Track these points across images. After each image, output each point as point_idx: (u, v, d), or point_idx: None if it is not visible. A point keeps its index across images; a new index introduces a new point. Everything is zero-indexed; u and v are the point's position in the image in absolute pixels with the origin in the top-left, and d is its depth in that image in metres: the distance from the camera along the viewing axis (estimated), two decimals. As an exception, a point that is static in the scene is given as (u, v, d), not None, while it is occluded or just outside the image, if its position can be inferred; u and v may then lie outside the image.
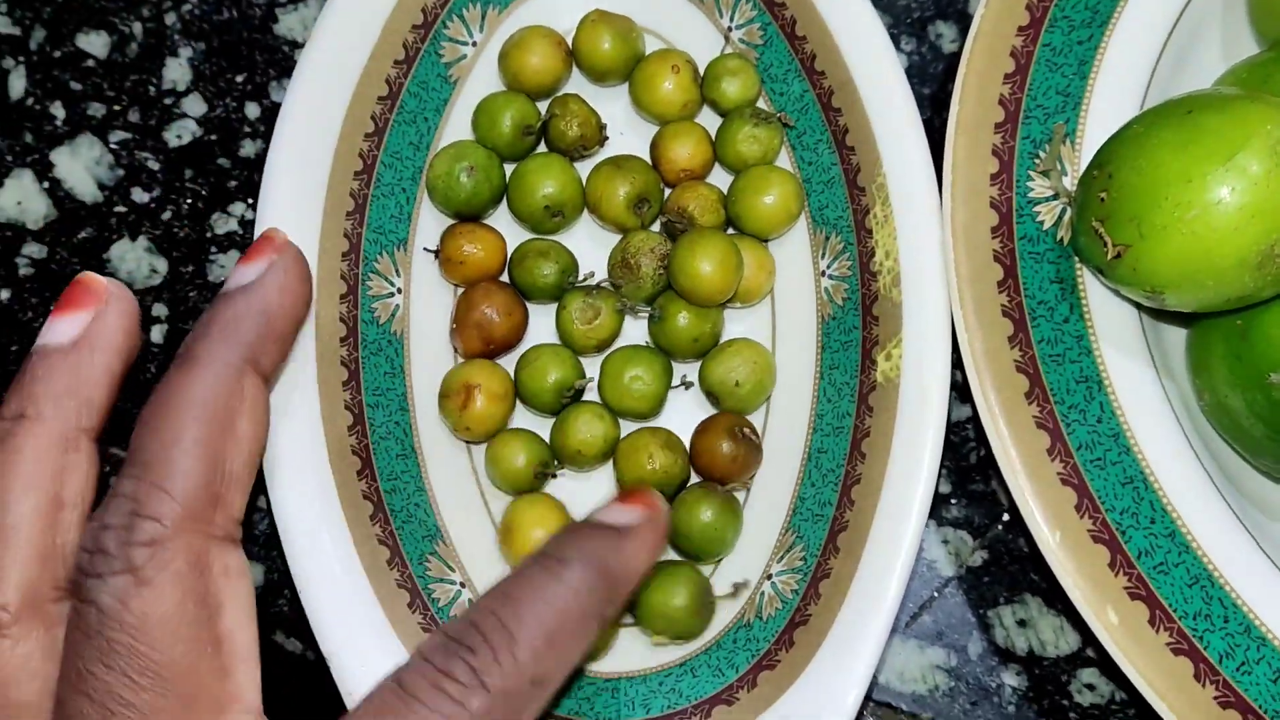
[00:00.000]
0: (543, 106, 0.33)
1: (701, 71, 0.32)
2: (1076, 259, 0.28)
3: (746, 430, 0.30)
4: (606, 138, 0.32)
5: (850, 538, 0.27)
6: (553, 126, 0.32)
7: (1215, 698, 0.25)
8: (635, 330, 0.32)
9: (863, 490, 0.27)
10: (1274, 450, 0.26)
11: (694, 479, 0.30)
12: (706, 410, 0.31)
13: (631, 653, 0.29)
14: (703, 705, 0.27)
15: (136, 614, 0.19)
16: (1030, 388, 0.27)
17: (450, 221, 0.32)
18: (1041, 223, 0.29)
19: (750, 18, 0.32)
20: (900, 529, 0.26)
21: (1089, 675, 0.29)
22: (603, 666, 0.29)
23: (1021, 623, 0.30)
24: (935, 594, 0.30)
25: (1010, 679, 0.29)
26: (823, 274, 0.31)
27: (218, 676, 0.20)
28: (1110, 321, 0.28)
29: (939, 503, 0.31)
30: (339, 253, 0.30)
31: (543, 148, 0.33)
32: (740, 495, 0.30)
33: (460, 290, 0.31)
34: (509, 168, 0.32)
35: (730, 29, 0.33)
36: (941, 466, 0.31)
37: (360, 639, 0.27)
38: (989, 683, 0.29)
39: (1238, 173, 0.24)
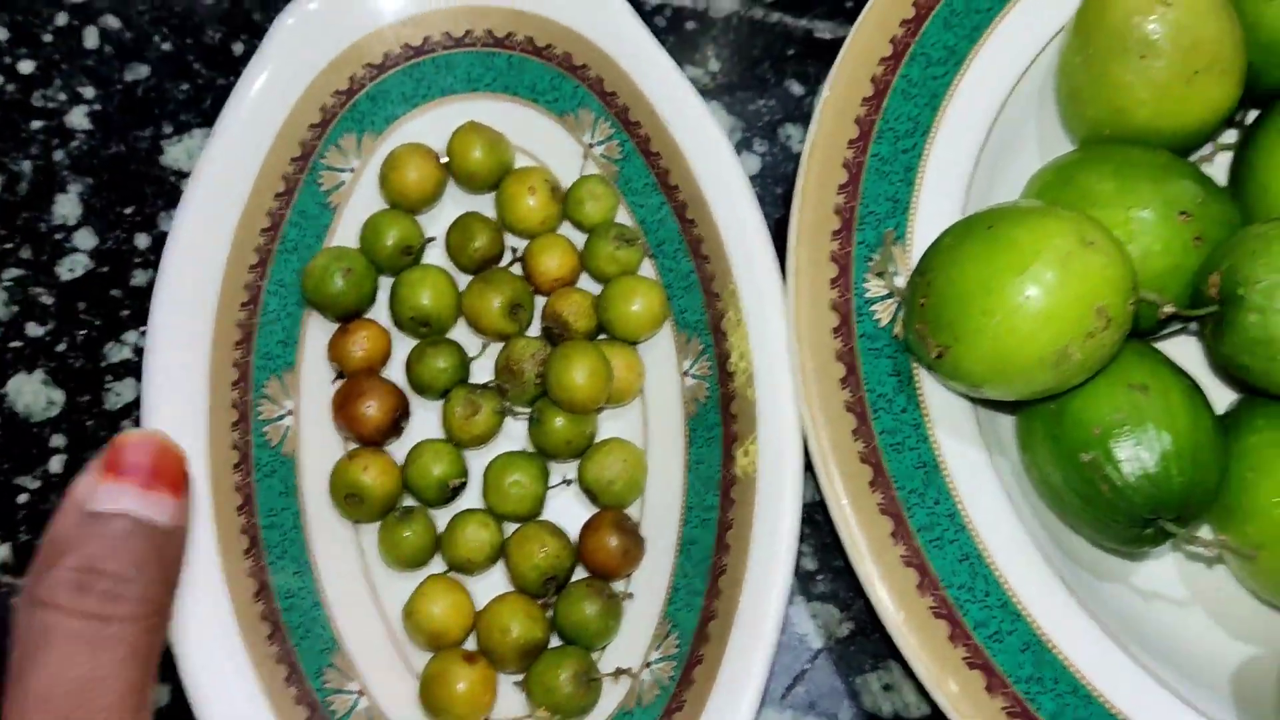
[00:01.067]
0: (435, 217, 0.35)
1: (565, 186, 0.35)
2: (912, 356, 0.31)
3: (629, 524, 0.32)
4: (504, 249, 0.35)
5: (719, 625, 0.29)
6: (452, 243, 0.34)
7: (1043, 750, 0.27)
8: (518, 429, 0.34)
9: (728, 579, 0.30)
10: (1090, 519, 0.29)
11: (580, 573, 0.32)
12: (589, 508, 0.33)
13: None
14: None
15: None
16: (874, 476, 0.30)
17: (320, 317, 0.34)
18: (879, 320, 0.31)
19: (609, 135, 0.35)
20: (762, 615, 0.29)
21: (950, 733, 0.32)
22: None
23: (887, 687, 0.32)
24: (807, 665, 0.32)
25: (879, 742, 0.32)
26: (685, 374, 0.33)
27: None
28: (944, 409, 0.31)
29: (807, 579, 0.33)
30: (229, 381, 0.32)
31: (444, 259, 0.35)
32: (621, 584, 0.32)
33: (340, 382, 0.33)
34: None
35: (591, 145, 0.35)
36: (807, 545, 0.33)
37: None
38: (861, 746, 0.32)
39: (1033, 282, 0.27)
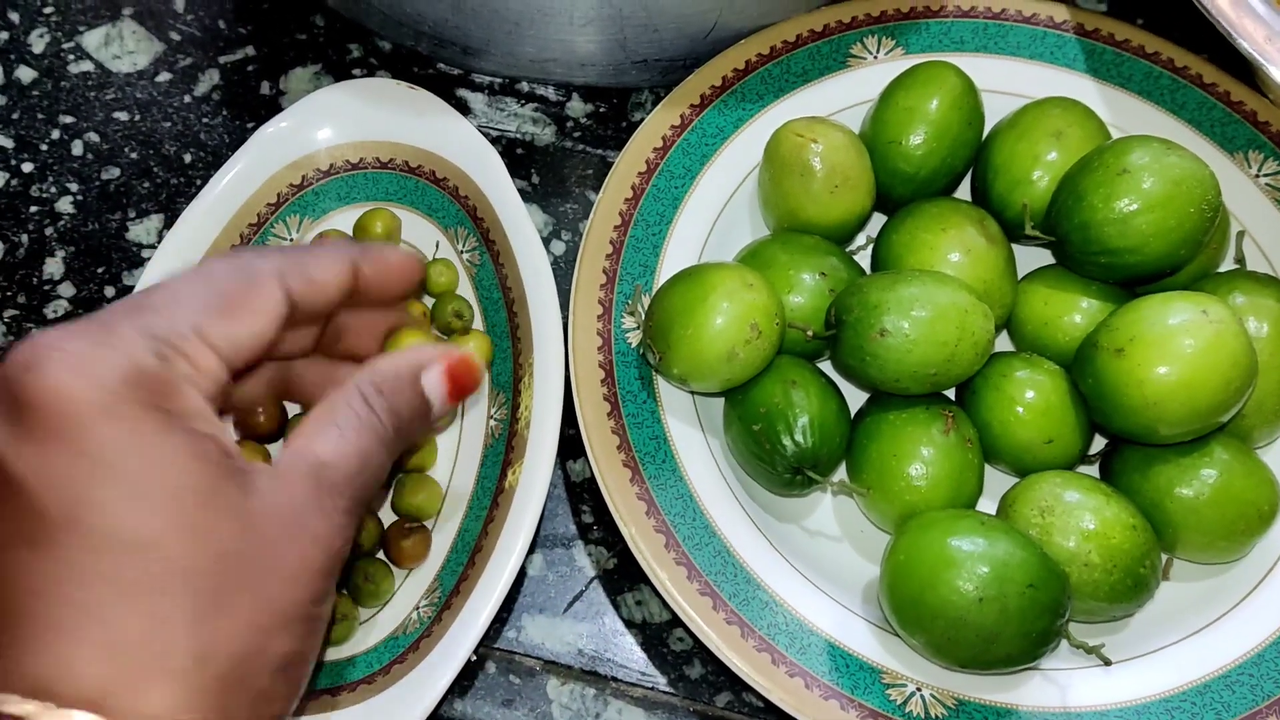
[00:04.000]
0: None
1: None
2: (648, 364, 0.46)
3: (422, 531, 0.44)
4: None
5: (468, 584, 0.41)
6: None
7: (724, 619, 0.41)
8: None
9: (482, 555, 0.42)
10: (761, 472, 0.43)
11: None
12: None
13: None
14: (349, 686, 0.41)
15: None
16: (620, 443, 0.44)
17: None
18: (630, 343, 0.46)
19: (474, 247, 0.49)
20: (495, 578, 0.40)
21: (679, 633, 0.45)
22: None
23: (639, 602, 0.45)
24: (583, 588, 0.45)
25: (633, 638, 0.45)
26: (490, 417, 0.46)
27: None
28: (674, 401, 0.46)
29: (587, 530, 0.47)
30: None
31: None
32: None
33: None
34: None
35: (460, 252, 0.50)
36: (588, 507, 0.47)
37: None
38: (620, 643, 0.45)
39: (712, 307, 0.42)
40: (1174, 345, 0.40)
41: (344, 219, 0.50)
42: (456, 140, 0.50)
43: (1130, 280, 0.46)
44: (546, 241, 0.52)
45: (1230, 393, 0.40)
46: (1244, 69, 0.49)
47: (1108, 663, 0.40)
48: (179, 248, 0.46)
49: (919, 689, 0.40)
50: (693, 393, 0.46)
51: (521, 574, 0.45)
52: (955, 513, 0.41)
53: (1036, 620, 0.38)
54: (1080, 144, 0.47)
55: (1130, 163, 0.43)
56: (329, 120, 0.50)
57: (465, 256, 0.50)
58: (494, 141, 0.54)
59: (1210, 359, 0.40)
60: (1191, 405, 0.40)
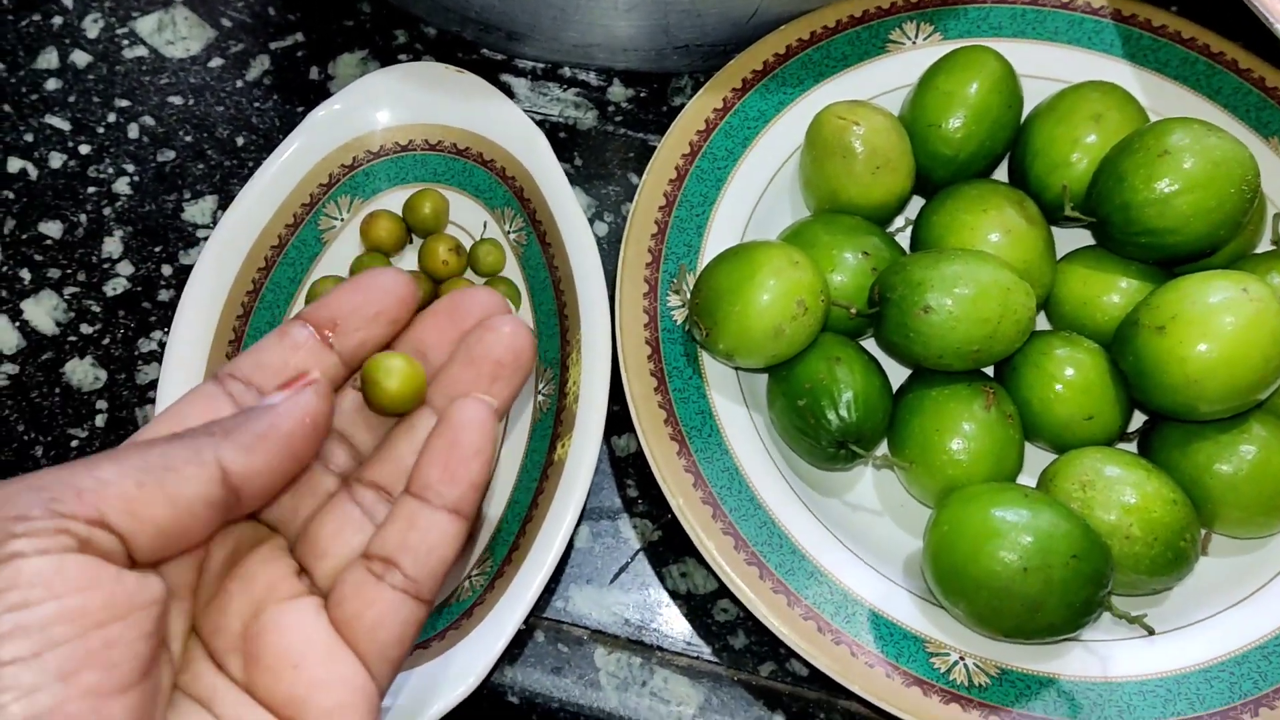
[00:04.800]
0: (397, 262, 0.50)
1: (468, 247, 0.50)
2: (694, 340, 0.47)
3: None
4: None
5: (519, 554, 0.42)
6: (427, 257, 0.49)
7: (771, 588, 0.42)
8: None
9: (533, 526, 0.43)
10: (805, 447, 0.44)
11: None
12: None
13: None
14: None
15: None
16: (667, 417, 0.45)
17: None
18: (676, 320, 0.47)
19: (520, 226, 0.50)
20: (545, 549, 0.41)
21: (724, 603, 0.46)
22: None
23: (683, 574, 0.46)
24: (629, 560, 0.46)
25: (677, 609, 0.46)
26: (538, 392, 0.48)
27: None
28: (719, 378, 0.46)
29: (631, 503, 0.48)
30: (226, 341, 0.46)
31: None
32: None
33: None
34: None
35: (508, 233, 0.51)
36: (632, 480, 0.48)
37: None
38: (665, 613, 0.46)
39: (759, 284, 0.43)
40: (1215, 323, 0.41)
41: (394, 199, 0.51)
42: (503, 123, 0.51)
43: (1169, 260, 0.46)
44: (589, 223, 0.53)
45: (1270, 370, 0.41)
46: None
47: (1151, 632, 0.41)
48: (235, 227, 0.48)
49: (962, 658, 0.41)
50: (738, 369, 0.47)
51: (569, 546, 0.46)
52: (998, 485, 0.42)
53: (1080, 590, 0.39)
54: (1118, 127, 0.48)
55: (1171, 144, 0.44)
56: (379, 103, 0.51)
57: (512, 237, 0.51)
58: (538, 125, 0.55)
59: (1251, 336, 0.41)
60: (1232, 382, 0.41)
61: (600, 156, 0.55)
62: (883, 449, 0.46)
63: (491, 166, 0.51)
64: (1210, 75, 0.52)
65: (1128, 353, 0.43)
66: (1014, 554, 0.39)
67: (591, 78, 0.57)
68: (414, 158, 0.52)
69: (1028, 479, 0.45)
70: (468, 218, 0.51)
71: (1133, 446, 0.47)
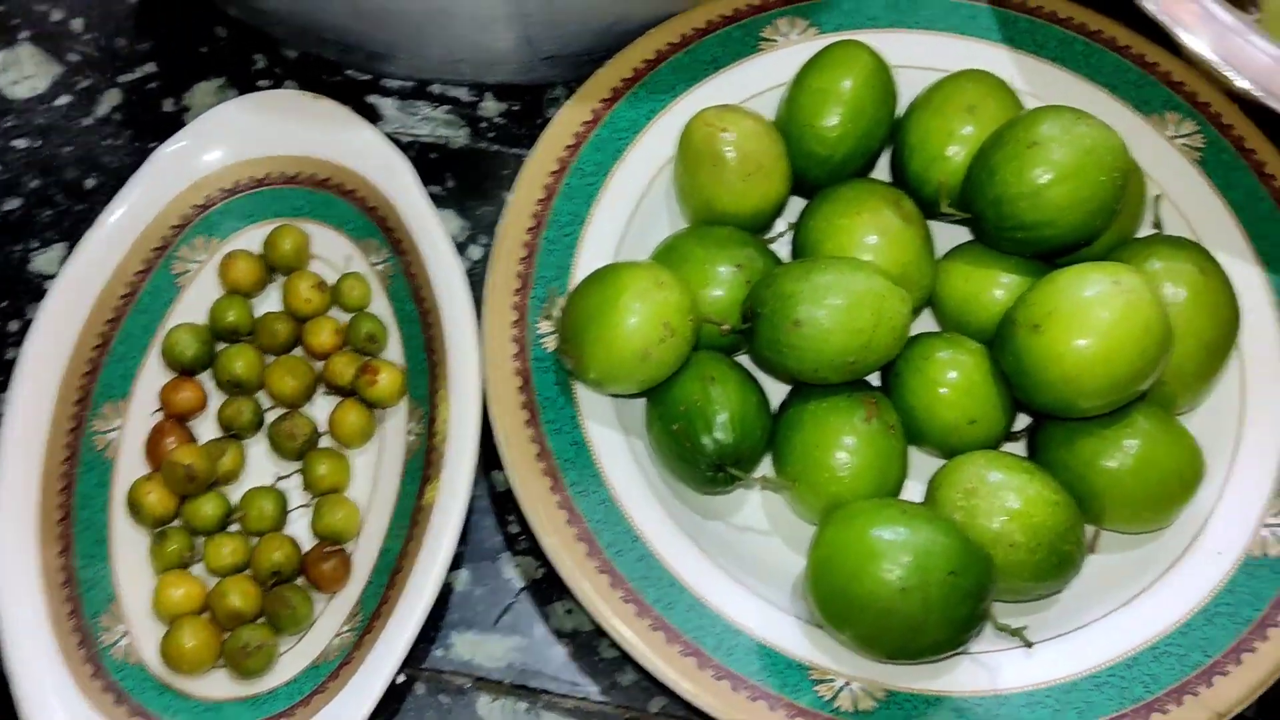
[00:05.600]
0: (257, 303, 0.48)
1: (332, 282, 0.48)
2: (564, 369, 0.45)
3: (342, 555, 0.43)
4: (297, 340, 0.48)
5: (389, 607, 0.40)
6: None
7: (649, 625, 0.40)
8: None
9: (403, 575, 0.41)
10: (683, 471, 0.43)
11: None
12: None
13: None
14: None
15: None
16: (540, 451, 0.43)
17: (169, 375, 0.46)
18: (546, 347, 0.45)
19: (386, 258, 0.48)
20: (414, 604, 0.39)
21: (610, 639, 0.44)
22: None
23: (569, 611, 0.45)
24: (512, 600, 0.45)
25: (563, 648, 0.44)
26: (409, 432, 0.45)
27: None
28: (593, 406, 0.45)
29: (513, 541, 0.46)
30: (72, 400, 0.44)
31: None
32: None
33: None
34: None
35: (374, 264, 0.49)
36: (514, 517, 0.46)
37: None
38: (551, 654, 0.44)
39: (621, 310, 0.41)
40: (1088, 318, 0.40)
41: (251, 238, 0.49)
42: (363, 150, 0.49)
43: (1048, 253, 0.45)
44: (465, 246, 0.51)
45: (1146, 361, 0.40)
46: (1160, 30, 0.48)
47: (1029, 644, 0.39)
48: (79, 278, 0.45)
49: (848, 683, 0.40)
50: (613, 395, 0.45)
51: (447, 590, 0.44)
52: (877, 503, 0.40)
53: (959, 606, 0.37)
54: (994, 117, 0.46)
55: (1040, 134, 0.43)
56: (230, 137, 0.49)
57: (379, 269, 0.49)
58: (407, 147, 0.53)
59: (1125, 329, 0.39)
60: (1109, 376, 0.40)
61: (474, 176, 0.53)
62: (766, 468, 0.45)
63: (353, 197, 0.49)
64: (1089, 55, 0.51)
65: (1007, 353, 0.42)
66: (892, 574, 0.38)
67: (463, 94, 0.55)
68: (271, 192, 0.49)
69: (919, 485, 0.44)
70: (332, 252, 0.49)
71: (1021, 446, 0.45)
